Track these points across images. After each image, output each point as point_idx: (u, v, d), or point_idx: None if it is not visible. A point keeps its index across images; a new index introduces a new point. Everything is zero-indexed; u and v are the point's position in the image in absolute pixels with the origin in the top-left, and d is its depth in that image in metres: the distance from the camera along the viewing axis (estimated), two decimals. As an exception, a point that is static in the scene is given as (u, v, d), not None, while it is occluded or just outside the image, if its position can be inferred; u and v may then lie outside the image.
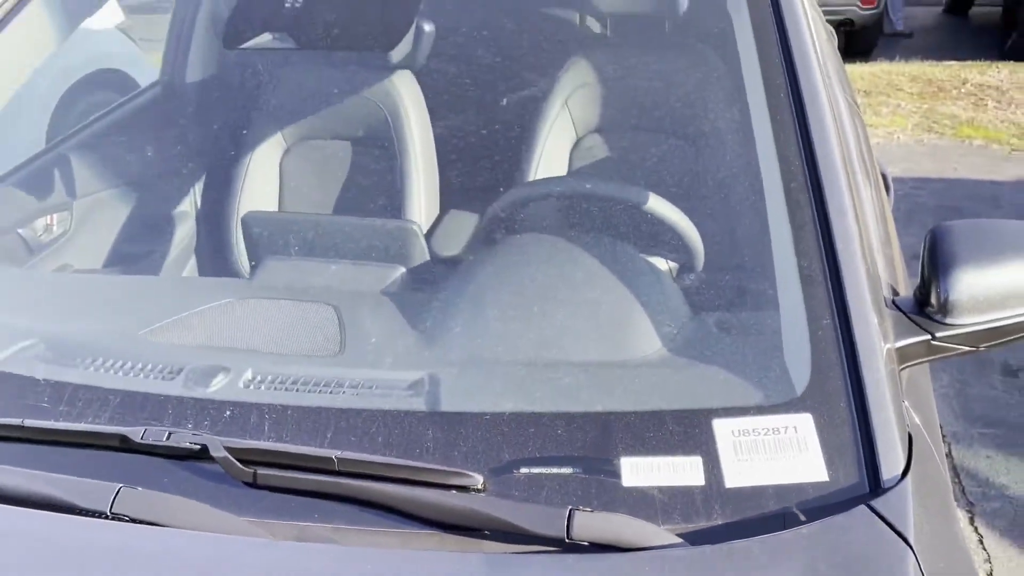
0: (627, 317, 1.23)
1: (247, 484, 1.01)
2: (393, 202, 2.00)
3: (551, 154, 1.97)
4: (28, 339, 1.27)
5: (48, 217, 2.01)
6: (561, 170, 1.98)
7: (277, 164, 2.20)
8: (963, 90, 6.52)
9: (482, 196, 1.98)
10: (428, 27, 1.90)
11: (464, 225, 1.99)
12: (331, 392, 1.13)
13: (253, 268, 1.65)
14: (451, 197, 2.09)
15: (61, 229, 2.03)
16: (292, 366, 1.20)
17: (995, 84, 6.62)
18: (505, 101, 2.24)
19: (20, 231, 1.92)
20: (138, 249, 2.17)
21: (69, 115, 3.95)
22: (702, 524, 0.93)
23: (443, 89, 2.20)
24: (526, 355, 1.18)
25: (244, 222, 1.71)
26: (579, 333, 1.21)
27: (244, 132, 2.20)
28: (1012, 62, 7.18)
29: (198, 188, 2.28)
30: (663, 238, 1.49)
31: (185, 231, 2.21)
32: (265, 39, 1.75)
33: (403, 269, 1.53)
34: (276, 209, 2.16)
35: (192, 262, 2.18)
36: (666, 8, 2.14)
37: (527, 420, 1.04)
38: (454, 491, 0.97)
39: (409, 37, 1.86)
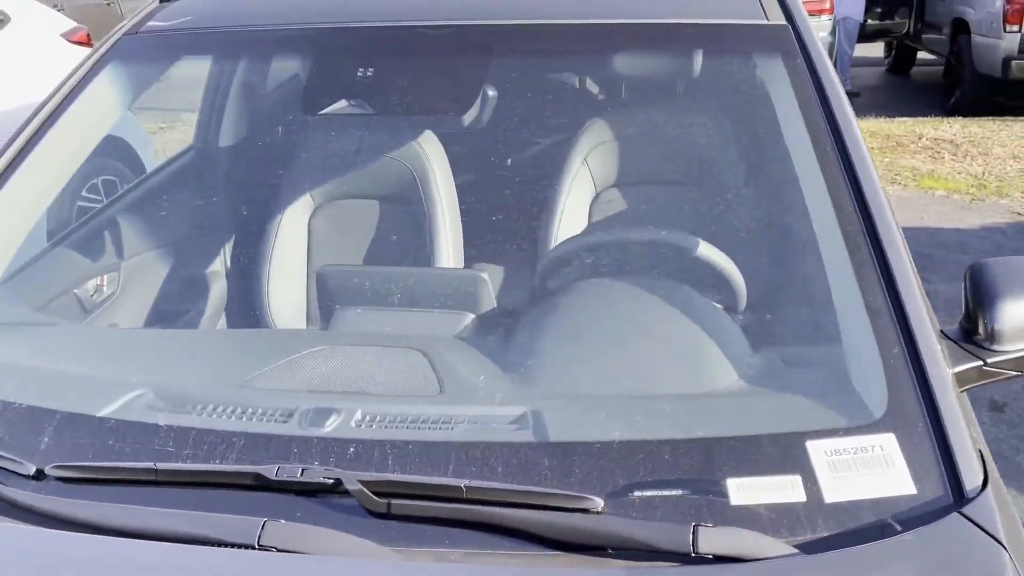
0: (702, 351, 1.34)
1: (380, 515, 1.08)
2: (421, 257, 2.10)
3: (572, 208, 2.09)
4: (136, 390, 1.34)
5: (99, 278, 2.07)
6: (582, 223, 2.10)
7: (306, 223, 2.28)
8: (920, 144, 6.86)
9: (506, 249, 2.10)
10: (492, 92, 2.02)
11: (493, 277, 2.09)
12: (441, 428, 1.21)
13: (327, 319, 1.72)
14: (475, 251, 2.20)
15: (111, 289, 2.09)
16: (397, 405, 1.28)
17: (949, 138, 6.98)
18: (527, 158, 2.35)
19: (76, 291, 1.98)
20: (176, 308, 2.23)
21: (74, 180, 4.00)
22: (809, 536, 1.03)
23: (468, 148, 2.32)
24: (619, 387, 1.28)
25: (319, 275, 1.80)
26: (661, 366, 1.31)
27: (274, 193, 2.29)
28: (961, 117, 7.57)
29: (231, 248, 2.36)
30: (708, 280, 1.61)
31: (219, 290, 2.28)
32: (342, 106, 1.85)
33: (472, 315, 1.63)
34: (305, 266, 2.25)
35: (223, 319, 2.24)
36: (680, 72, 2.29)
37: (635, 447, 1.13)
38: (577, 514, 1.05)
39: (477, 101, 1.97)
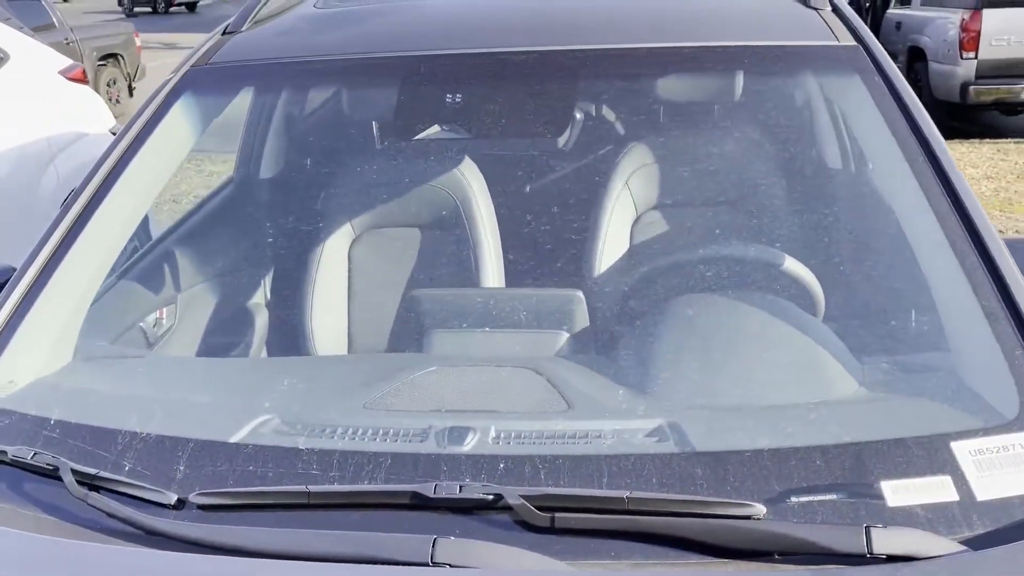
0: (819, 360, 1.38)
1: (543, 529, 1.09)
2: (467, 283, 2.12)
3: (615, 231, 2.13)
4: (261, 415, 1.33)
5: (160, 310, 2.06)
6: (624, 245, 2.14)
7: (346, 253, 2.29)
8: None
9: (550, 274, 2.13)
10: (579, 115, 2.05)
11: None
12: (580, 442, 1.22)
13: (420, 341, 1.73)
14: (518, 276, 2.22)
15: (169, 322, 2.08)
16: (530, 422, 1.29)
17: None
18: (567, 182, 2.38)
19: (141, 324, 1.97)
20: (223, 341, 2.22)
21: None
22: (971, 534, 1.06)
23: (510, 173, 2.35)
24: (750, 397, 1.31)
25: (410, 299, 1.80)
26: (784, 375, 1.35)
27: (314, 224, 2.29)
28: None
29: (273, 279, 2.36)
30: (791, 292, 1.65)
31: (262, 321, 2.27)
32: (435, 131, 1.87)
33: (567, 334, 1.65)
34: (346, 295, 2.25)
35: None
36: (721, 94, 2.34)
37: (786, 454, 1.16)
38: (740, 520, 1.08)
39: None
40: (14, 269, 1.76)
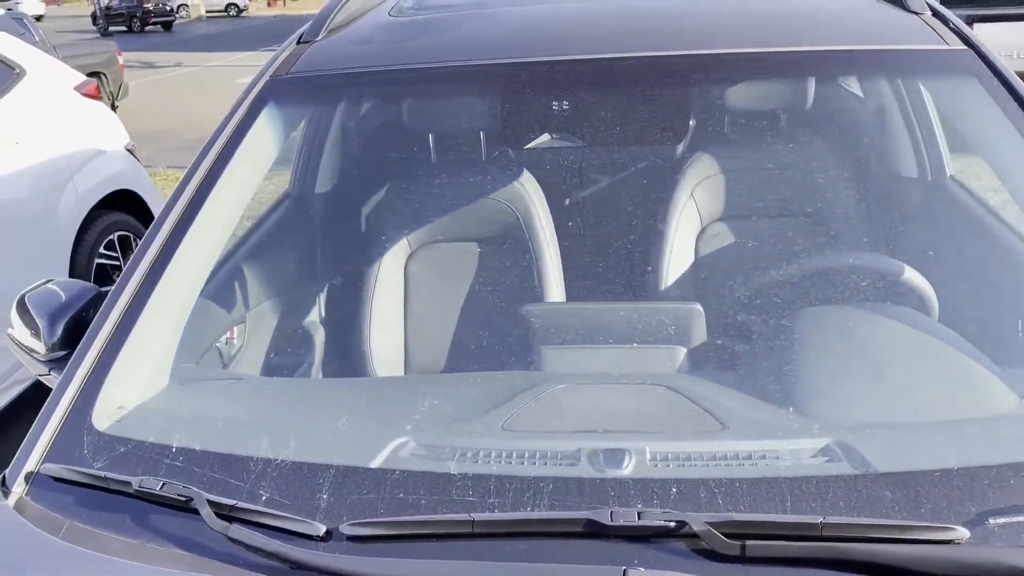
0: (972, 374, 1.33)
1: (733, 558, 1.03)
2: (529, 298, 2.06)
3: (680, 242, 2.08)
4: (396, 438, 1.26)
5: (231, 330, 1.97)
6: (689, 258, 2.09)
7: (402, 268, 2.22)
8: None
9: (614, 288, 2.07)
10: (691, 121, 2.00)
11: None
12: (749, 463, 1.16)
13: (534, 358, 1.66)
14: (581, 290, 2.16)
15: (240, 342, 1.99)
16: (686, 443, 1.23)
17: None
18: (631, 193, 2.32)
19: (217, 344, 1.88)
20: (282, 360, 2.14)
21: (91, 235, 3.85)
22: None
23: (570, 184, 2.29)
24: (919, 414, 1.25)
25: (522, 314, 1.73)
26: (945, 391, 1.29)
27: (370, 239, 2.23)
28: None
29: (328, 296, 2.28)
30: (909, 302, 1.60)
31: (320, 339, 2.20)
32: (545, 139, 1.81)
33: (684, 350, 1.59)
34: (402, 311, 2.18)
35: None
36: (791, 102, 2.30)
37: (976, 473, 1.10)
38: (943, 546, 1.02)
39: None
40: (97, 288, 1.68)
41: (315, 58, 1.89)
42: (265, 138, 1.79)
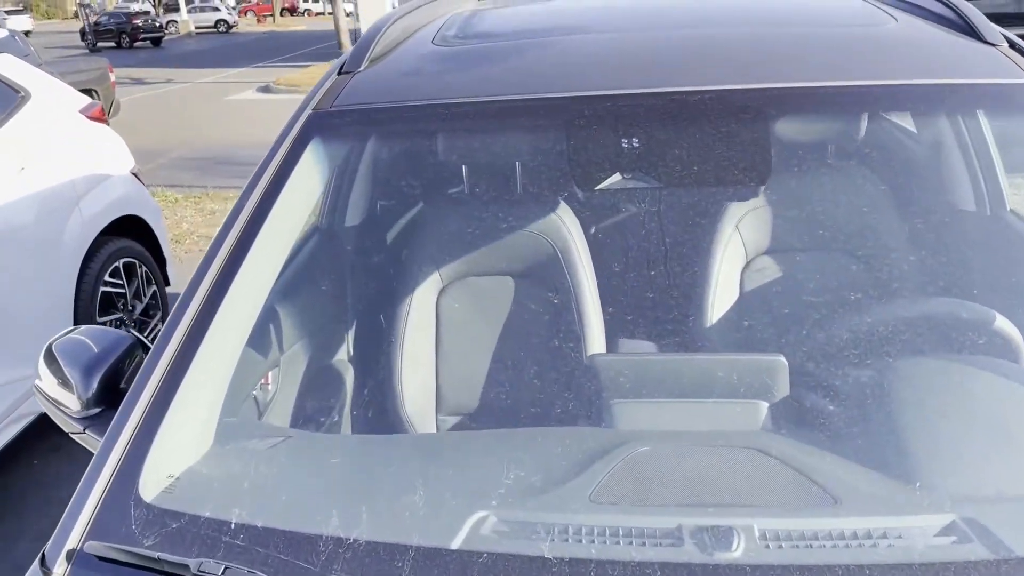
0: None
1: None
2: (569, 335, 1.96)
3: (725, 276, 1.98)
4: (473, 513, 1.15)
5: (265, 376, 1.86)
6: (734, 292, 1.99)
7: (434, 304, 2.12)
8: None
9: (656, 325, 1.97)
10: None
11: (646, 355, 1.95)
12: (879, 544, 1.06)
13: (602, 413, 1.56)
14: (621, 328, 2.06)
15: (274, 387, 1.88)
16: (797, 520, 1.13)
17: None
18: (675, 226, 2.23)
19: (254, 392, 1.77)
20: (313, 404, 2.04)
21: (97, 262, 3.73)
22: None
23: (608, 216, 2.19)
24: None
25: (589, 365, 1.63)
26: None
27: (402, 274, 2.13)
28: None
29: (356, 334, 2.18)
30: (1002, 351, 1.50)
31: (350, 379, 2.10)
32: (616, 180, 1.71)
33: (766, 404, 1.49)
34: (433, 350, 2.08)
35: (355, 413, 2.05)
36: (841, 132, 2.22)
37: None
38: None
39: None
40: (133, 337, 1.57)
41: (359, 90, 1.79)
42: (310, 175, 1.69)
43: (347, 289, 2.29)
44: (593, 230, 2.14)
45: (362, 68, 1.86)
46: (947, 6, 1.86)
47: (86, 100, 4.07)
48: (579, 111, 1.62)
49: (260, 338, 1.85)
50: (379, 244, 2.34)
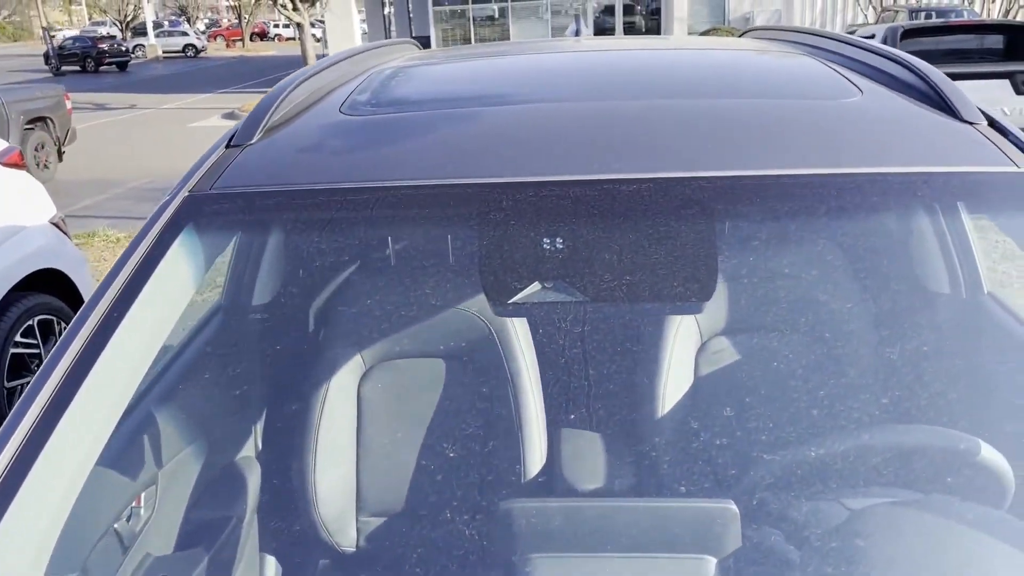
0: None
1: None
2: (506, 425, 1.73)
3: (678, 360, 1.76)
4: None
5: (136, 499, 1.59)
6: (688, 377, 1.77)
7: (354, 390, 1.88)
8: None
9: (602, 415, 1.74)
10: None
11: (590, 449, 1.73)
12: None
13: (518, 570, 1.30)
14: (564, 417, 1.83)
15: (148, 512, 1.61)
16: None
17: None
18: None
19: (116, 526, 1.50)
20: (211, 512, 1.77)
21: (8, 320, 3.43)
22: None
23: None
24: None
25: (501, 512, 1.38)
26: None
27: (318, 356, 1.89)
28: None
29: (267, 426, 1.93)
30: (983, 486, 1.29)
31: (255, 482, 1.84)
32: (533, 291, 1.47)
33: (714, 560, 1.24)
34: (354, 442, 1.84)
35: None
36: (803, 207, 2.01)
37: None
38: None
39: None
40: None
41: (247, 167, 1.53)
42: (180, 271, 1.42)
43: (255, 376, 2.02)
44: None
45: (254, 140, 1.60)
46: (919, 76, 1.64)
47: (3, 144, 3.79)
48: (494, 201, 1.39)
49: (119, 459, 1.57)
50: (292, 324, 2.08)
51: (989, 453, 1.29)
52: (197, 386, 1.92)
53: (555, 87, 1.86)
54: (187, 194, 1.49)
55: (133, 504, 1.59)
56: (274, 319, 2.09)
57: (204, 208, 1.47)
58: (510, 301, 1.43)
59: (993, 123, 1.50)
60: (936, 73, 1.62)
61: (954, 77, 6.55)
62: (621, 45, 2.62)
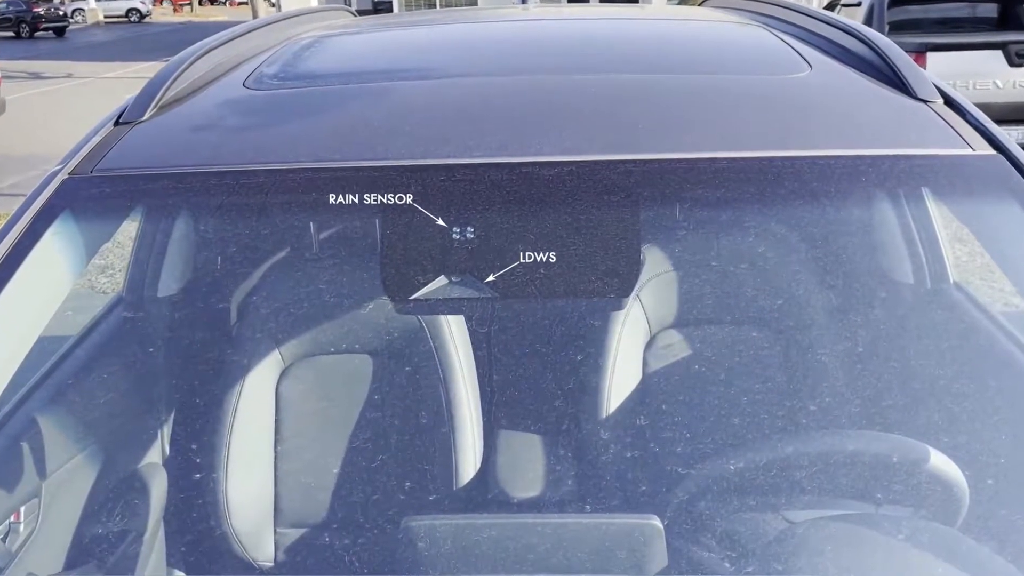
0: None
1: None
2: (437, 427, 1.62)
3: (625, 355, 1.67)
4: None
5: (15, 514, 1.44)
6: (636, 375, 1.68)
7: (272, 389, 1.75)
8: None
9: (543, 414, 1.64)
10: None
11: (528, 450, 1.63)
12: None
13: None
14: (501, 418, 1.72)
15: (29, 527, 1.46)
16: None
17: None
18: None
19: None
20: (109, 525, 1.63)
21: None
22: None
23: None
24: None
25: (403, 529, 1.25)
26: None
27: (231, 352, 1.76)
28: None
29: (174, 430, 1.79)
30: (934, 495, 1.21)
31: (159, 491, 1.70)
32: (439, 286, 1.33)
33: None
34: (272, 447, 1.71)
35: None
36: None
37: None
38: None
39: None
40: None
41: (136, 147, 1.37)
42: (56, 261, 1.27)
43: (161, 375, 1.87)
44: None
45: (146, 117, 1.44)
46: (873, 50, 1.53)
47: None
48: (397, 184, 1.26)
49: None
50: (202, 317, 1.93)
51: (941, 461, 1.21)
52: (92, 387, 1.77)
53: (482, 60, 1.73)
54: (65, 177, 1.33)
55: (11, 519, 1.45)
56: (181, 312, 1.94)
57: (83, 192, 1.31)
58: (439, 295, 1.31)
59: (949, 101, 1.40)
60: (891, 46, 1.52)
61: (944, 48, 6.32)
62: (568, 14, 2.49)
